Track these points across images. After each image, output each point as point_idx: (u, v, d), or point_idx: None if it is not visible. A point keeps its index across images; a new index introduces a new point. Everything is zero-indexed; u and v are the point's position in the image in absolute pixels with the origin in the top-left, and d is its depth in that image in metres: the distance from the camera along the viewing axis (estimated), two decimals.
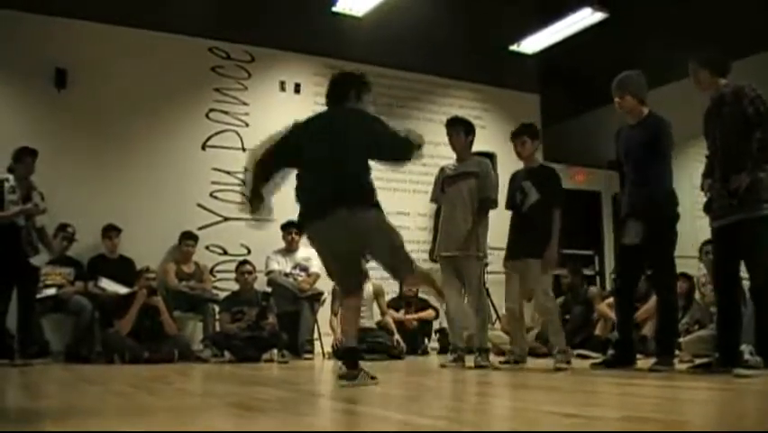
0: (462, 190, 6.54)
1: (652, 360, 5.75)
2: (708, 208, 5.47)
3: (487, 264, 6.77)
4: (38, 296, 7.51)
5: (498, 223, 6.72)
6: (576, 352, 7.81)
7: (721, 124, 5.30)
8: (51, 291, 7.91)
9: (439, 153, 10.84)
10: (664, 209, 5.72)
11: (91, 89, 9.04)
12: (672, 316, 5.89)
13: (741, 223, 5.17)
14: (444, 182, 6.71)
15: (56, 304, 7.93)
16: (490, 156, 8.41)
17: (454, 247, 6.47)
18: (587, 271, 11.39)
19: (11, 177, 7.08)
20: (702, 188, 5.55)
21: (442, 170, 6.85)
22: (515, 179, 6.57)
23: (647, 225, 5.66)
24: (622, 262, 6.16)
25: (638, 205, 5.77)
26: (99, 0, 9.14)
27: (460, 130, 6.70)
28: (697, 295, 8.24)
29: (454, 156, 6.81)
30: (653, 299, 7.54)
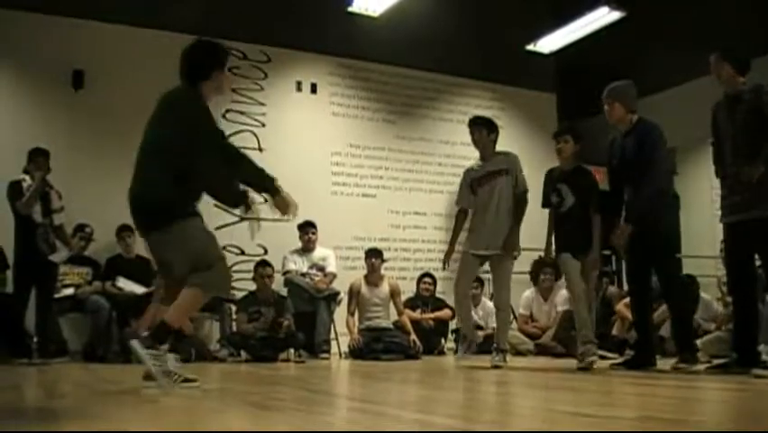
0: (494, 189, 6.49)
1: (670, 360, 5.73)
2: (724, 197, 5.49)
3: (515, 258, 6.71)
4: (56, 296, 7.58)
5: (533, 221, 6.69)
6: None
7: (735, 119, 5.28)
8: (69, 291, 7.95)
9: (456, 153, 10.91)
10: (661, 213, 5.75)
11: (108, 90, 9.08)
12: (684, 316, 5.93)
13: (754, 221, 5.14)
14: (474, 184, 6.66)
15: (74, 304, 7.98)
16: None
17: (488, 246, 6.43)
18: (604, 269, 11.35)
19: (27, 177, 7.15)
20: (718, 175, 5.54)
21: (467, 171, 6.80)
22: (550, 177, 6.50)
23: (647, 230, 5.68)
24: (630, 263, 6.16)
25: (637, 210, 5.78)
26: (116, 2, 9.18)
27: (482, 128, 6.67)
28: (718, 294, 8.22)
29: (470, 155, 6.77)
30: None
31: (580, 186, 6.25)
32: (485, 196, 6.56)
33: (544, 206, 6.51)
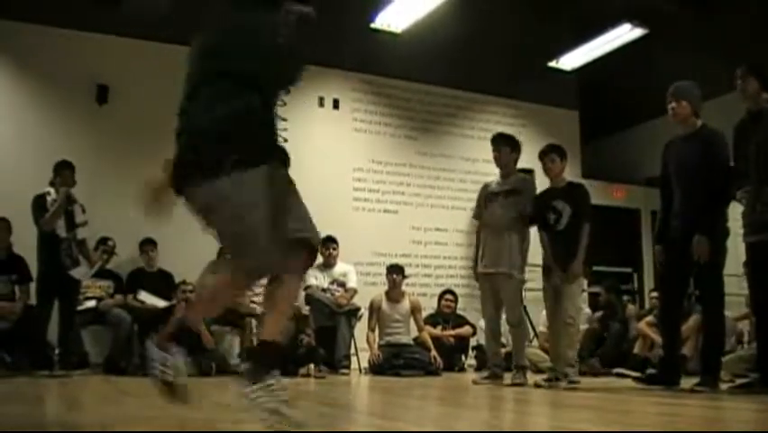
0: (500, 208, 6.53)
1: (692, 379, 5.67)
2: (746, 215, 5.40)
3: (524, 281, 6.73)
4: (78, 308, 7.62)
5: (535, 240, 6.68)
6: (614, 370, 7.75)
7: (757, 136, 5.24)
8: (91, 304, 7.98)
9: (477, 170, 10.90)
10: (718, 226, 5.59)
11: (132, 105, 9.15)
12: (719, 335, 5.72)
13: None
14: (487, 199, 6.69)
15: (95, 316, 8.01)
16: (529, 172, 8.38)
17: (489, 264, 6.47)
18: (625, 287, 11.32)
19: (52, 190, 7.21)
20: (735, 197, 5.48)
21: (485, 186, 6.83)
22: (542, 199, 6.53)
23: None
24: (666, 279, 6.05)
25: (690, 223, 5.63)
26: (140, 17, 9.26)
27: (505, 146, 6.68)
28: (740, 312, 8.17)
29: (491, 172, 6.78)
30: (692, 318, 7.45)
31: (577, 199, 6.29)
32: (492, 214, 6.59)
33: (535, 225, 6.53)
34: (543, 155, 6.53)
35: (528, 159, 9.60)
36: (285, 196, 3.11)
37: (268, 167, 2.99)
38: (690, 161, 5.71)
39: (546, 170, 6.52)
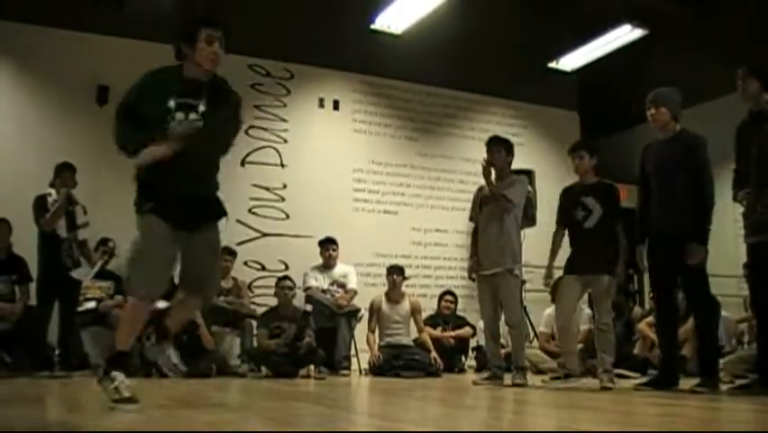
0: (494, 210, 6.53)
1: (692, 380, 5.66)
2: (747, 216, 5.40)
3: (524, 282, 6.73)
4: (78, 309, 7.61)
5: (539, 241, 6.66)
6: (615, 371, 7.75)
7: (759, 137, 5.24)
8: (91, 305, 7.97)
9: (478, 171, 10.83)
10: (698, 227, 5.59)
11: None
12: (712, 336, 5.71)
13: None
14: (482, 201, 6.71)
15: (95, 317, 7.99)
16: (529, 173, 8.37)
17: (488, 265, 6.47)
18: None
19: (53, 191, 7.21)
20: (736, 199, 5.48)
21: (480, 189, 6.84)
22: (571, 193, 6.48)
23: (682, 244, 5.53)
24: (656, 281, 6.04)
25: (670, 223, 5.66)
26: (141, 18, 9.25)
27: (501, 148, 6.69)
28: (739, 314, 8.16)
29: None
30: (691, 320, 7.44)
31: (607, 198, 6.24)
32: (486, 215, 6.61)
33: (562, 224, 6.49)
34: (571, 151, 6.50)
35: (528, 159, 9.63)
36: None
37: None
38: (669, 164, 5.76)
39: (575, 167, 6.49)
